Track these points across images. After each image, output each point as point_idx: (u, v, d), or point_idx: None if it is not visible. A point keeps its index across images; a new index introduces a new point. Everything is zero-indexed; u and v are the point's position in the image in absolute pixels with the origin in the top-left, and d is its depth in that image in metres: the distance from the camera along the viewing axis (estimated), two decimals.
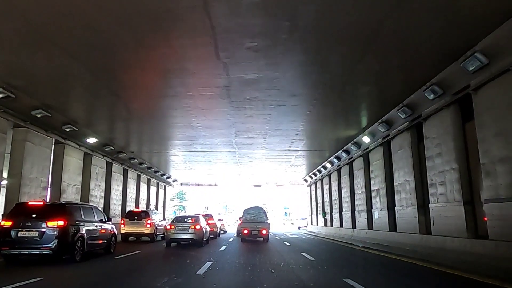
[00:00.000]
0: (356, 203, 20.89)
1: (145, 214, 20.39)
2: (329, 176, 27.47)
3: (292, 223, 68.28)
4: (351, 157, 21.17)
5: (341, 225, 24.12)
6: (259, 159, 25.65)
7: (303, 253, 13.78)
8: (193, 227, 16.70)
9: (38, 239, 10.26)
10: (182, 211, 63.62)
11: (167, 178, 34.68)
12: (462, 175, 10.42)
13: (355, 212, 20.99)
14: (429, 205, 12.07)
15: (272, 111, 13.99)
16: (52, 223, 10.41)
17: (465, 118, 10.55)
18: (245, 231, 20.72)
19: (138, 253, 14.05)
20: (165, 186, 36.34)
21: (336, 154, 23.18)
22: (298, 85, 11.58)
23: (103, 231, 13.15)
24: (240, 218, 22.89)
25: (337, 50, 9.00)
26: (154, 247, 17.28)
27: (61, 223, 10.50)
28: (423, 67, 10.05)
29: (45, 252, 10.29)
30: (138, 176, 27.55)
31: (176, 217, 18.75)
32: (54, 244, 10.21)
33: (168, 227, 17.10)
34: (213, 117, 14.98)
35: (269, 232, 21.20)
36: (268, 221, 21.80)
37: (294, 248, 16.72)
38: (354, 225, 21.09)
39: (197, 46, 8.56)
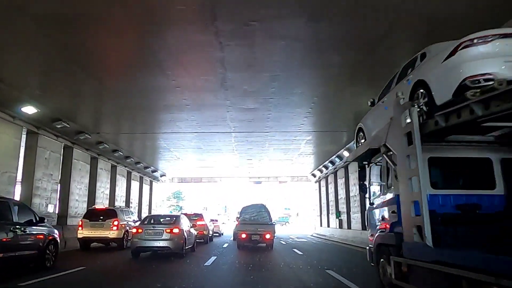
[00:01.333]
0: None
1: (111, 214, 15.48)
2: (346, 167, 22.60)
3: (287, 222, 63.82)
4: None
5: (364, 227, 19.26)
6: (261, 146, 20.70)
7: (330, 272, 9.04)
8: (169, 230, 11.77)
9: None
10: (178, 211, 59.11)
11: (153, 171, 29.69)
12: None
13: None
14: None
15: (281, 54, 9.14)
16: None
17: None
18: (243, 235, 15.90)
19: (77, 271, 9.15)
20: (151, 182, 31.35)
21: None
22: None
23: (36, 237, 9.09)
24: (237, 218, 18.03)
25: None
26: (114, 259, 12.37)
27: None
28: None
29: None
30: (113, 168, 22.65)
31: (147, 217, 13.85)
32: None
33: (134, 230, 12.16)
34: (195, 69, 10.10)
35: (274, 236, 16.38)
36: (273, 222, 16.97)
37: (311, 261, 11.84)
38: None
39: None
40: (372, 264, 6.88)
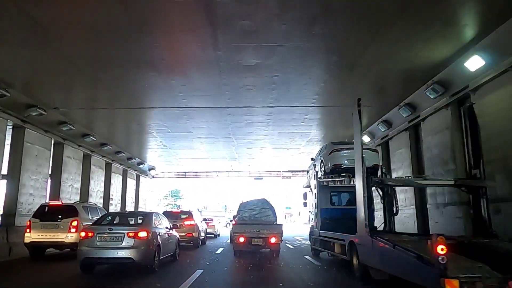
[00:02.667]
0: (429, 191, 12.45)
1: (70, 211, 11.81)
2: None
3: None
4: (418, 116, 12.74)
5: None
6: (263, 129, 16.95)
7: None
8: (132, 235, 8.08)
9: None
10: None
11: (139, 164, 25.94)
12: None
13: (428, 206, 12.51)
14: None
15: None
16: None
17: None
18: (241, 239, 12.31)
19: None
20: (137, 176, 27.58)
21: (385, 116, 14.73)
22: None
23: None
24: (234, 218, 14.41)
25: None
26: (56, 275, 8.70)
27: None
28: None
29: None
30: (87, 157, 18.93)
31: (105, 216, 10.13)
32: None
33: (83, 234, 8.42)
34: None
35: (281, 239, 12.77)
36: (279, 222, 13.35)
37: (336, 276, 8.15)
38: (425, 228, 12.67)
39: None
40: (309, 241, 13.70)
